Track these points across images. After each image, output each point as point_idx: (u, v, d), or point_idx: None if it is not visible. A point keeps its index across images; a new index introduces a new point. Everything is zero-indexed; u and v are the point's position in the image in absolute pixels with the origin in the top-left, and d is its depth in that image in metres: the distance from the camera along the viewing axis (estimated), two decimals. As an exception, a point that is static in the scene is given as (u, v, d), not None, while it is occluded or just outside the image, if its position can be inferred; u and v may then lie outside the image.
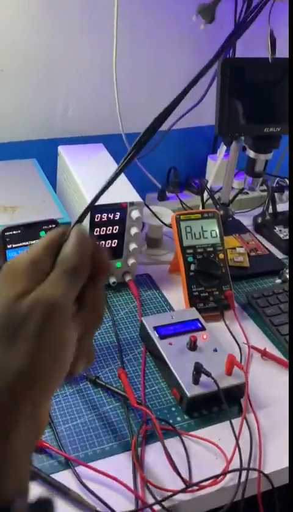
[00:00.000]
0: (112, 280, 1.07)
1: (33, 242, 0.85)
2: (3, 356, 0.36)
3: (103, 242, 1.03)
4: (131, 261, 1.07)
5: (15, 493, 0.35)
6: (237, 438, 0.78)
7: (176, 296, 1.07)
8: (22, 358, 0.36)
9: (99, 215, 1.00)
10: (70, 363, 0.39)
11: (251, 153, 1.15)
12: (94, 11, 1.16)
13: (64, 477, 0.71)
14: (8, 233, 0.83)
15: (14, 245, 0.83)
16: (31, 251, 0.40)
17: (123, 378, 0.85)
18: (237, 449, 0.77)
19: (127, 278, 1.08)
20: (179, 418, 0.82)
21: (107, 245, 1.04)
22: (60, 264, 0.39)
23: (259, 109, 1.13)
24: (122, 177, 1.09)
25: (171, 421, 0.81)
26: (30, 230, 0.85)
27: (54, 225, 0.86)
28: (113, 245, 1.04)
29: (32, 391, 0.36)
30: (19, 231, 0.84)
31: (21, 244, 0.84)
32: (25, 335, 0.36)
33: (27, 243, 0.84)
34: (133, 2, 1.17)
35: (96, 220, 1.00)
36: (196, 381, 0.82)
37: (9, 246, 0.83)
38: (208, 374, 0.81)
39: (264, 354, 0.96)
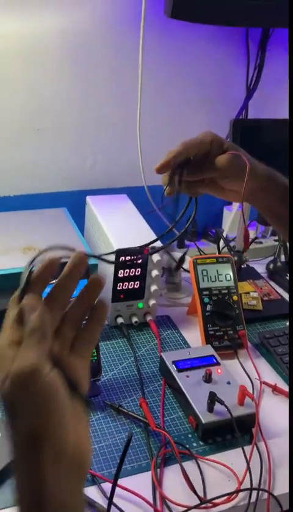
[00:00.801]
0: (134, 319, 1.16)
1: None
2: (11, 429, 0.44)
3: (126, 283, 1.12)
4: (152, 302, 1.16)
5: None
6: (248, 462, 0.85)
7: (193, 335, 1.15)
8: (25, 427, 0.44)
9: (123, 258, 1.09)
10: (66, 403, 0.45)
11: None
12: (121, 78, 1.30)
13: (91, 492, 0.79)
14: (43, 272, 0.93)
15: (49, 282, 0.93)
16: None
17: (144, 406, 0.93)
18: (248, 472, 0.83)
19: (148, 318, 1.17)
20: (195, 444, 0.89)
21: (129, 287, 1.13)
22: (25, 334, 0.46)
23: (268, 164, 1.23)
24: (145, 225, 1.20)
25: (187, 446, 0.88)
26: (62, 268, 0.94)
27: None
28: (135, 286, 1.13)
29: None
30: (54, 270, 0.94)
31: (53, 281, 0.94)
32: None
33: (60, 281, 0.94)
34: (155, 71, 1.31)
35: (121, 262, 1.10)
36: (210, 409, 0.89)
37: (44, 283, 0.93)
38: (221, 402, 0.88)
39: (275, 389, 1.03)
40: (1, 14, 1.14)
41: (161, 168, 0.74)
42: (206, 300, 1.13)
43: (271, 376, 1.07)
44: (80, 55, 1.24)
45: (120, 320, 1.15)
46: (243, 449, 0.87)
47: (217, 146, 0.76)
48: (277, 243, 1.45)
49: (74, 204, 1.33)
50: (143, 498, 0.78)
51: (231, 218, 1.44)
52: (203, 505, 0.77)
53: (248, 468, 0.84)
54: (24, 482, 0.44)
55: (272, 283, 1.38)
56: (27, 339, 0.46)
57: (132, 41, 1.24)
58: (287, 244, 1.43)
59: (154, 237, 1.15)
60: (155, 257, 1.11)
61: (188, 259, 1.32)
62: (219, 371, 0.99)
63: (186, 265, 1.29)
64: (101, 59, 1.27)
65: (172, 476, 0.83)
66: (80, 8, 1.20)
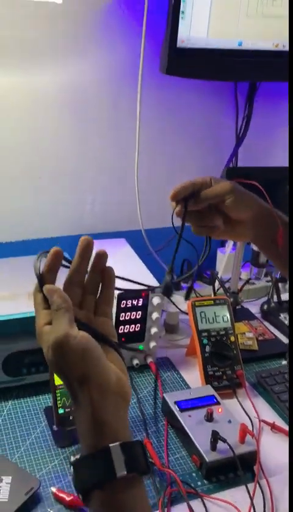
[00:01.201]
0: (135, 362, 1.19)
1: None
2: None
3: (127, 326, 1.16)
4: (152, 344, 1.19)
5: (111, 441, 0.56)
6: (252, 500, 0.87)
7: (193, 376, 1.19)
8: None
9: (125, 301, 1.14)
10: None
11: (255, 247, 1.31)
12: (119, 129, 1.37)
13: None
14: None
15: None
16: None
17: (148, 446, 0.96)
18: (252, 509, 0.86)
19: (149, 360, 1.20)
20: (199, 483, 0.92)
21: (130, 330, 1.17)
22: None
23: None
24: (144, 268, 1.24)
25: (192, 484, 0.91)
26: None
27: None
28: (136, 329, 1.17)
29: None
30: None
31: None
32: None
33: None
34: (151, 122, 1.38)
35: (122, 306, 1.14)
36: (213, 448, 0.92)
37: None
38: (224, 440, 0.91)
39: (273, 426, 1.06)
40: (4, 69, 1.21)
41: (174, 196, 0.85)
42: (205, 341, 1.17)
43: (269, 414, 1.11)
44: (80, 108, 1.31)
45: (121, 362, 1.18)
46: (246, 487, 0.90)
47: (215, 181, 0.87)
48: (270, 284, 1.51)
49: (73, 248, 1.37)
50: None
51: (225, 260, 1.50)
52: None
53: (252, 505, 0.87)
54: (81, 414, 0.58)
55: (266, 323, 1.42)
56: (55, 316, 0.61)
57: (129, 95, 1.31)
58: (280, 284, 1.48)
59: (153, 279, 1.20)
60: (156, 300, 1.15)
61: (185, 301, 1.36)
62: (220, 410, 1.02)
63: (183, 307, 1.34)
64: (100, 111, 1.33)
65: (179, 514, 0.86)
66: (81, 64, 1.27)
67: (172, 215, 0.87)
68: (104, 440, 0.57)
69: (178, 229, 0.86)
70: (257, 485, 0.91)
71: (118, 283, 0.71)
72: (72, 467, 0.59)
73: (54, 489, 0.88)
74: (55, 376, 0.96)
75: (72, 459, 0.93)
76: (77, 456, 0.61)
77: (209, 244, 0.91)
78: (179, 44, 1.21)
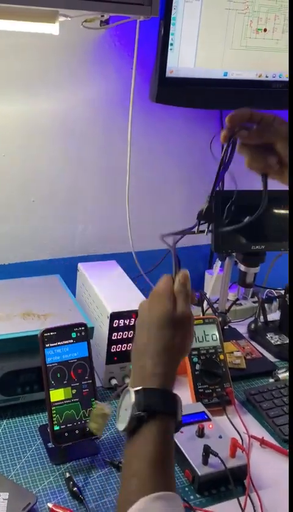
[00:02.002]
0: (127, 380, 1.21)
1: (66, 342, 1.02)
2: (170, 338, 0.75)
3: (120, 345, 1.19)
4: (143, 362, 1.22)
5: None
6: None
7: (183, 394, 1.18)
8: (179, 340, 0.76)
9: (117, 321, 1.17)
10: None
11: (242, 267, 1.35)
12: (111, 153, 1.42)
13: None
14: (46, 334, 1.00)
15: (51, 345, 1.00)
16: (165, 286, 0.79)
17: None
18: (244, 521, 0.89)
19: (140, 377, 1.23)
20: (192, 497, 0.94)
21: (123, 349, 1.20)
22: (179, 294, 0.78)
23: (246, 231, 1.34)
24: (135, 288, 1.28)
25: (185, 499, 0.93)
26: (64, 332, 1.01)
27: (83, 327, 1.03)
28: (128, 348, 1.20)
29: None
30: (55, 333, 1.01)
31: (56, 344, 1.00)
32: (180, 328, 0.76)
33: (61, 343, 1.01)
34: (141, 147, 1.43)
35: (114, 325, 1.17)
36: (205, 462, 0.95)
37: (47, 345, 0.99)
38: (215, 454, 0.94)
39: (262, 442, 1.09)
40: (1, 97, 1.26)
41: (230, 119, 0.81)
42: (195, 359, 1.20)
43: (258, 430, 1.14)
44: (73, 134, 1.36)
45: (114, 381, 1.20)
46: (238, 500, 0.92)
47: (278, 124, 0.82)
48: (256, 305, 1.55)
49: (65, 270, 1.40)
50: None
51: (213, 281, 1.54)
52: None
53: (244, 517, 0.89)
54: (171, 359, 0.74)
55: (254, 343, 1.46)
56: (184, 298, 0.78)
57: (121, 121, 1.36)
58: (266, 305, 1.52)
59: (144, 299, 1.23)
60: (147, 319, 1.18)
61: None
62: (210, 426, 1.05)
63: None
64: (92, 137, 1.38)
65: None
66: (74, 92, 1.32)
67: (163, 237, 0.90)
68: (172, 388, 0.72)
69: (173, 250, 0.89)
70: (248, 498, 0.94)
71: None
72: (134, 391, 0.69)
73: (50, 505, 0.90)
74: (50, 393, 0.99)
75: (68, 475, 0.95)
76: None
77: (266, 185, 0.85)
78: (168, 74, 1.26)
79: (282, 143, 0.79)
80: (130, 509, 0.60)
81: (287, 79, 1.41)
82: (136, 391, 0.69)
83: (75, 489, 0.92)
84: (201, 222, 0.89)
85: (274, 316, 1.55)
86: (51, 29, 1.02)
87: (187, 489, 0.96)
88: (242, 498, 0.94)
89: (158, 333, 0.75)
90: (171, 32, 1.22)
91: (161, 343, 0.74)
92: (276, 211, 1.35)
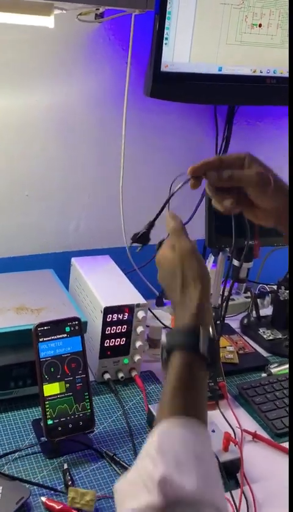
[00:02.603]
0: (120, 375, 1.22)
1: (60, 336, 1.02)
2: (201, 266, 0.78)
3: (113, 340, 1.19)
4: (137, 357, 1.22)
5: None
6: (237, 506, 0.91)
7: (176, 388, 1.22)
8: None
9: (110, 315, 1.17)
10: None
11: (235, 262, 1.36)
12: (105, 147, 1.41)
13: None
14: (40, 329, 1.00)
15: (45, 339, 1.00)
16: (178, 224, 0.86)
17: None
18: (236, 515, 0.89)
19: (134, 373, 1.23)
20: (185, 490, 0.95)
21: (116, 343, 1.20)
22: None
23: (239, 226, 1.34)
24: (128, 283, 1.28)
25: (178, 492, 0.93)
26: (57, 326, 1.01)
27: (76, 322, 1.03)
28: (121, 343, 1.20)
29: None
30: (49, 327, 1.00)
31: (50, 338, 1.00)
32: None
33: (55, 337, 1.01)
34: (136, 142, 1.43)
35: (107, 320, 1.17)
36: (199, 456, 0.95)
37: (40, 340, 0.99)
38: (209, 449, 0.94)
39: (255, 436, 1.10)
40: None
41: (193, 171, 0.81)
42: (188, 353, 1.20)
43: (250, 424, 1.14)
44: (67, 128, 1.35)
45: (107, 376, 1.21)
46: (231, 493, 0.93)
47: (250, 163, 0.80)
48: (249, 300, 1.55)
49: (58, 264, 1.40)
50: None
51: (206, 276, 1.54)
52: None
53: (237, 510, 0.90)
54: (188, 303, 0.74)
55: (246, 338, 1.46)
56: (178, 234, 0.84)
57: (115, 116, 1.36)
58: (258, 300, 1.53)
59: (138, 294, 1.24)
60: (140, 314, 1.19)
61: (168, 316, 1.40)
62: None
63: (167, 322, 1.37)
64: (86, 132, 1.38)
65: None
66: (68, 86, 1.31)
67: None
68: (201, 323, 0.71)
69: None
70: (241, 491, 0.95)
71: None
72: (165, 335, 0.72)
73: (43, 499, 0.90)
74: (44, 387, 0.99)
75: (66, 466, 0.96)
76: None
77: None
78: (163, 68, 1.26)
79: (253, 189, 0.80)
80: (154, 429, 0.63)
81: (282, 75, 1.41)
82: (166, 334, 0.74)
83: (69, 482, 0.92)
84: (134, 243, 0.93)
85: (266, 311, 1.56)
86: (46, 21, 1.02)
87: (180, 482, 0.96)
88: (234, 492, 0.94)
89: (192, 265, 0.78)
90: (166, 26, 1.22)
91: (196, 273, 0.77)
92: (269, 206, 1.35)
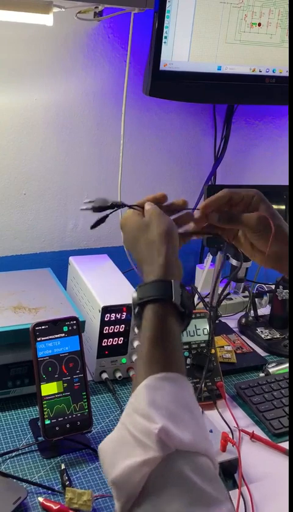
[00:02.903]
0: (118, 374, 1.21)
1: (58, 336, 1.01)
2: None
3: (111, 339, 1.19)
4: (135, 357, 1.22)
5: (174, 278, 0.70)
6: (236, 510, 0.90)
7: (174, 388, 1.22)
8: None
9: (108, 315, 1.17)
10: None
11: (234, 261, 1.36)
12: (103, 146, 1.41)
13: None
14: (38, 328, 0.99)
15: (42, 339, 0.99)
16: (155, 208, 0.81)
17: None
18: (234, 515, 0.89)
19: (131, 373, 1.23)
20: (182, 491, 0.94)
21: (114, 343, 1.19)
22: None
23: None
24: (127, 282, 1.28)
25: (176, 492, 0.93)
26: (55, 326, 1.01)
27: (74, 321, 1.03)
28: (119, 342, 1.20)
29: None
30: (46, 327, 1.00)
31: (48, 338, 1.00)
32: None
33: (52, 336, 1.00)
34: (134, 141, 1.43)
35: (105, 319, 1.17)
36: (197, 456, 0.95)
37: (38, 339, 0.99)
38: (207, 449, 0.94)
39: (252, 436, 1.09)
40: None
41: (206, 208, 0.83)
42: (186, 353, 1.20)
43: (248, 424, 1.14)
44: (65, 127, 1.35)
45: (105, 375, 1.20)
46: (228, 494, 0.92)
47: (257, 203, 0.83)
48: (247, 299, 1.55)
49: (56, 264, 1.40)
50: None
51: (204, 275, 1.54)
52: None
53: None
54: (157, 255, 0.72)
55: (244, 337, 1.46)
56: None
57: (113, 115, 1.36)
58: (256, 300, 1.53)
59: (135, 292, 1.23)
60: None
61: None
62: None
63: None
64: (84, 130, 1.38)
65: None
66: (66, 84, 1.31)
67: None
68: (169, 276, 0.70)
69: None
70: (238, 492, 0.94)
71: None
72: (135, 291, 0.70)
73: (41, 499, 0.90)
74: (41, 387, 0.98)
75: (63, 466, 0.95)
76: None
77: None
78: (162, 67, 1.25)
79: (252, 233, 0.82)
80: (139, 386, 0.62)
81: (281, 74, 1.40)
82: (137, 288, 0.72)
83: (67, 482, 0.92)
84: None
85: (264, 310, 1.56)
86: (45, 19, 1.02)
87: (177, 483, 0.96)
88: (232, 492, 0.94)
89: (158, 222, 0.76)
90: (165, 25, 1.21)
91: (162, 229, 0.75)
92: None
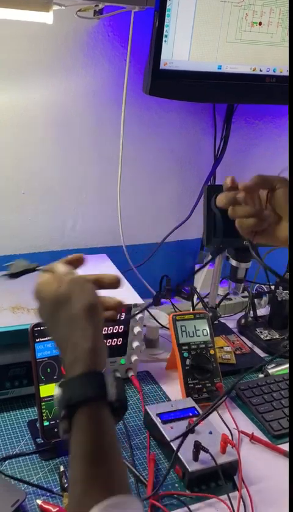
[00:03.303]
0: (117, 375, 1.20)
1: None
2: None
3: (109, 340, 1.18)
4: (134, 357, 1.21)
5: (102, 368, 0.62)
6: (236, 510, 0.90)
7: (173, 389, 1.21)
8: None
9: (108, 316, 1.16)
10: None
11: (233, 262, 1.35)
12: (102, 145, 1.40)
13: None
14: (36, 329, 0.99)
15: (41, 339, 0.99)
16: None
17: (151, 466, 0.98)
18: (234, 518, 0.89)
19: (130, 374, 1.22)
20: (181, 494, 0.94)
21: (113, 343, 1.19)
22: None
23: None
24: (126, 283, 1.27)
25: (175, 495, 0.93)
26: (54, 327, 1.00)
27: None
28: (118, 343, 1.19)
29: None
30: (45, 327, 0.99)
31: (46, 338, 0.99)
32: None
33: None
34: (134, 140, 1.42)
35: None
36: (195, 458, 0.95)
37: (37, 340, 0.98)
38: (206, 450, 0.94)
39: (252, 437, 1.09)
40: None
41: (246, 188, 0.78)
42: (185, 354, 1.19)
43: (247, 425, 1.14)
44: (65, 126, 1.34)
45: (103, 375, 1.20)
46: (228, 496, 0.92)
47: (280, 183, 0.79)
48: (246, 300, 1.55)
49: (55, 263, 1.39)
50: None
51: (203, 276, 1.53)
52: None
53: (235, 514, 0.89)
54: (82, 339, 0.63)
55: (243, 338, 1.46)
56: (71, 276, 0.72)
57: (113, 114, 1.35)
58: (256, 300, 1.52)
59: (135, 294, 1.23)
60: (138, 314, 1.18)
61: (165, 316, 1.39)
62: (201, 422, 1.04)
63: (164, 321, 1.36)
64: (84, 129, 1.36)
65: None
66: (66, 83, 1.30)
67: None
68: (98, 365, 0.62)
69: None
70: (238, 494, 0.94)
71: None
72: (59, 387, 0.60)
73: (39, 501, 0.89)
74: (40, 388, 0.98)
75: (62, 468, 0.95)
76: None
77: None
78: (162, 66, 1.24)
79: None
80: None
81: (281, 74, 1.40)
82: (61, 386, 0.61)
83: (66, 485, 0.91)
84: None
85: (263, 311, 1.55)
86: (45, 17, 1.01)
87: (177, 485, 0.96)
88: (232, 494, 0.93)
89: (82, 294, 0.68)
90: (165, 23, 1.20)
91: (86, 303, 0.67)
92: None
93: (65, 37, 1.25)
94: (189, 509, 0.91)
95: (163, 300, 1.55)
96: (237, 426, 1.12)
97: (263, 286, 1.59)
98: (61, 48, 1.26)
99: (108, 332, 1.17)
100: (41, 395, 0.98)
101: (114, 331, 1.18)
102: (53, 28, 1.08)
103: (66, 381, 0.61)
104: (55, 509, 0.87)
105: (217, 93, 1.38)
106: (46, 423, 0.97)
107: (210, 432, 1.02)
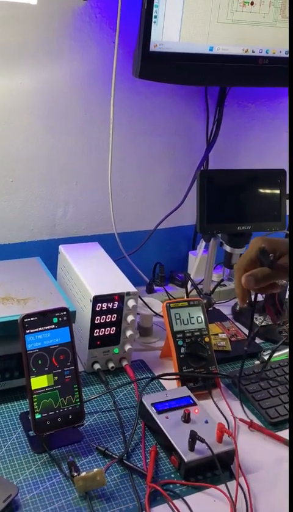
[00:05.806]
0: (111, 365, 1.19)
1: (48, 327, 0.98)
2: None
3: (103, 329, 1.16)
4: (127, 346, 1.19)
5: None
6: (234, 499, 0.88)
7: (168, 378, 1.19)
8: None
9: (100, 304, 1.14)
10: None
11: (228, 248, 1.33)
12: (92, 131, 1.37)
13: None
14: (26, 320, 0.96)
15: (32, 331, 0.96)
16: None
17: (152, 456, 0.96)
18: (233, 509, 0.87)
19: (124, 363, 1.20)
20: (178, 484, 0.92)
21: (106, 333, 1.17)
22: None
23: (232, 211, 1.31)
24: (118, 270, 1.24)
25: (171, 486, 0.91)
26: (45, 317, 0.98)
27: (64, 312, 1.00)
28: (111, 332, 1.17)
29: None
30: (36, 318, 0.97)
31: (37, 330, 0.97)
32: None
33: (42, 328, 0.97)
34: (124, 125, 1.39)
35: (97, 309, 1.14)
36: (191, 448, 0.93)
37: (27, 331, 0.96)
38: (202, 440, 0.92)
39: (251, 425, 1.07)
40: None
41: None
42: (180, 342, 1.17)
43: (244, 413, 1.12)
44: (52, 111, 1.31)
45: (97, 366, 1.18)
46: (226, 486, 0.91)
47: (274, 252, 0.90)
48: (241, 285, 1.52)
49: (46, 252, 1.36)
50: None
51: (197, 262, 1.51)
52: None
53: (234, 505, 0.88)
54: None
55: (238, 324, 1.44)
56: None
57: (102, 98, 1.31)
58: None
59: (128, 282, 1.20)
60: (131, 302, 1.16)
61: (158, 303, 1.37)
62: (196, 411, 1.03)
63: (158, 309, 1.34)
64: (72, 114, 1.33)
65: (159, 515, 0.86)
66: (53, 67, 1.26)
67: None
68: None
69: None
70: (235, 483, 0.92)
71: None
72: None
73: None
74: (31, 380, 0.95)
75: (71, 459, 0.93)
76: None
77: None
78: (152, 48, 1.21)
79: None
80: None
81: (274, 55, 1.36)
82: None
83: (75, 473, 0.89)
84: None
85: (258, 296, 1.52)
86: (29, -2, 0.97)
87: (173, 475, 0.94)
88: (229, 483, 0.92)
89: None
90: (155, 3, 1.17)
91: None
92: (261, 190, 1.32)
93: (50, 19, 1.22)
94: (185, 500, 0.89)
95: (156, 288, 1.53)
96: (233, 414, 1.10)
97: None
98: (46, 31, 1.22)
99: (101, 321, 1.15)
100: (32, 388, 0.95)
101: (107, 320, 1.16)
102: (37, 9, 1.05)
103: None
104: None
105: (209, 76, 1.35)
106: (37, 416, 0.95)
107: (206, 422, 1.00)
